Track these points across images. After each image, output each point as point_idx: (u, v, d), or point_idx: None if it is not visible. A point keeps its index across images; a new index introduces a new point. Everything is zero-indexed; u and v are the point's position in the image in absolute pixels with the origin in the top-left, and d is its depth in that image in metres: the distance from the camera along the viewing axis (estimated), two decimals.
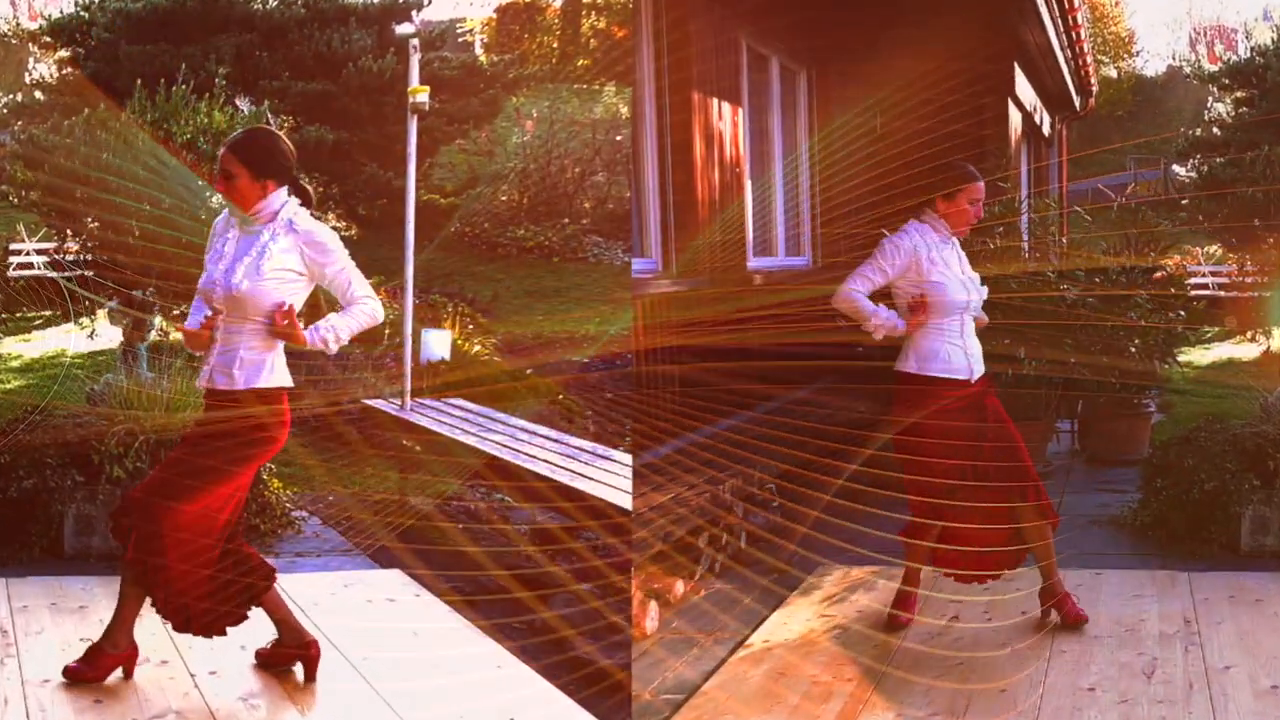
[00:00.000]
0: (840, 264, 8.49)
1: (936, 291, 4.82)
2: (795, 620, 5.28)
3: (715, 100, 7.42)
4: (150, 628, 4.68)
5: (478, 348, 10.16)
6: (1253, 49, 13.24)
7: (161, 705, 4.12)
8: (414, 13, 12.61)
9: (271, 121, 11.62)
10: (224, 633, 4.30)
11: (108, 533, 5.94)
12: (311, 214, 4.22)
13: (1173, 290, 8.01)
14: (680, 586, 5.61)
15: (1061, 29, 9.84)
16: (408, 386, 7.91)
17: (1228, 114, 12.99)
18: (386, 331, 9.81)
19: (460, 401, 8.16)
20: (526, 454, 6.49)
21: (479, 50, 16.14)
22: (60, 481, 6.00)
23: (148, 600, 4.22)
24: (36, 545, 5.97)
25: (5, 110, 12.49)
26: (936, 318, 4.83)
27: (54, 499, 5.98)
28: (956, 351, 4.86)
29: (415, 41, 8.09)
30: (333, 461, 8.16)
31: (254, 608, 4.30)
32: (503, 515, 7.30)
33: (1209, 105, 13.83)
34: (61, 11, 12.97)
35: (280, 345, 4.16)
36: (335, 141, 12.36)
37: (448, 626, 5.07)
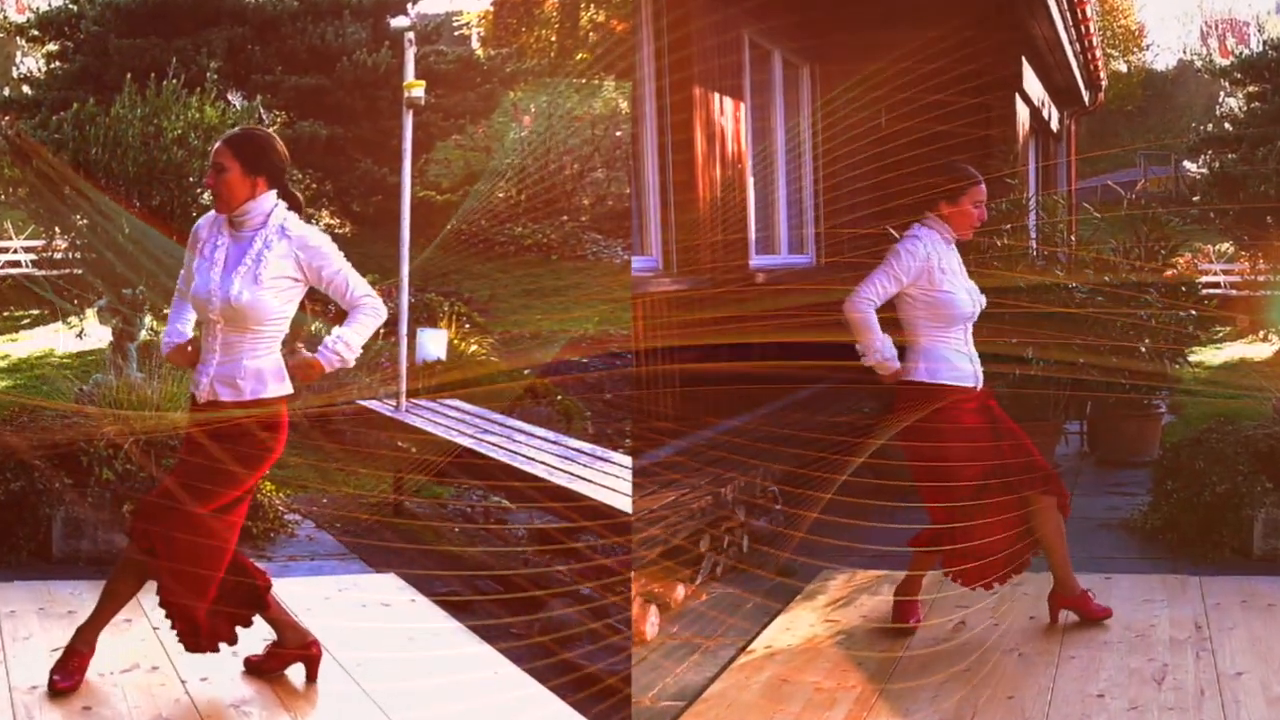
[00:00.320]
0: (844, 262, 8.50)
1: (946, 302, 4.84)
2: (798, 625, 5.28)
3: (717, 95, 7.42)
4: (140, 633, 4.68)
5: (474, 347, 10.16)
6: (1265, 42, 13.25)
7: (151, 712, 4.12)
8: (409, 6, 12.60)
9: (264, 116, 11.63)
10: (233, 640, 4.31)
11: (96, 536, 5.98)
12: (301, 218, 4.23)
13: (1183, 289, 8.01)
14: (680, 591, 5.62)
15: (1070, 22, 9.85)
16: (403, 387, 7.91)
17: (1240, 109, 12.99)
18: (382, 331, 9.83)
19: (456, 402, 8.17)
20: (525, 456, 6.49)
21: (476, 44, 16.16)
22: (49, 484, 5.99)
23: (140, 608, 4.22)
24: (24, 549, 5.96)
25: None
26: (940, 334, 4.86)
27: (42, 501, 5.98)
28: (963, 359, 4.89)
29: (411, 35, 8.10)
30: (327, 464, 8.16)
31: (259, 612, 4.31)
32: (500, 518, 7.31)
33: (1220, 100, 13.83)
34: (50, 4, 12.98)
35: (279, 351, 4.17)
36: (329, 137, 12.37)
37: (443, 631, 5.07)
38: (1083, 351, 6.64)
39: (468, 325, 10.52)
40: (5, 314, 11.31)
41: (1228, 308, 11.37)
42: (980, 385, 4.95)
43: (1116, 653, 4.79)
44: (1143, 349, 7.58)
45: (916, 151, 6.78)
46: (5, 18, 13.20)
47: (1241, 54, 13.22)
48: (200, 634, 4.24)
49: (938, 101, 7.74)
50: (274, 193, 4.18)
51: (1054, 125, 12.03)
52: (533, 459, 6.41)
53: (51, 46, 13.21)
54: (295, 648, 4.40)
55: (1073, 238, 8.48)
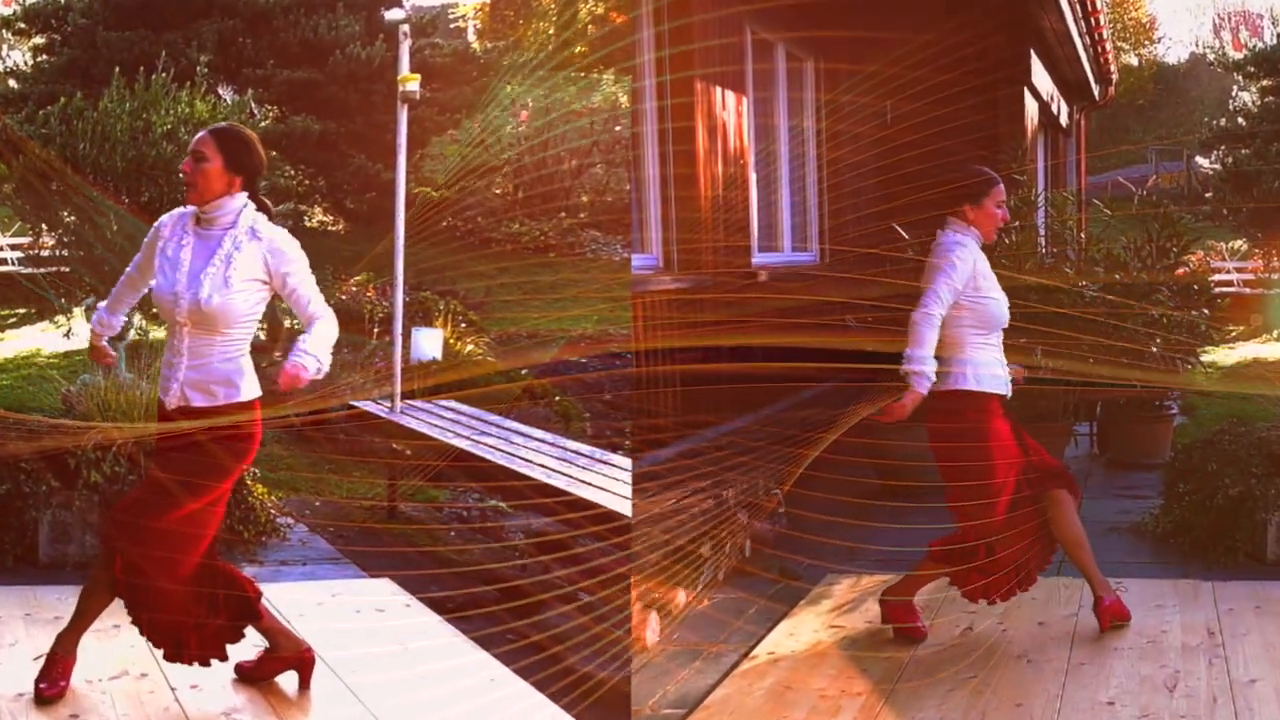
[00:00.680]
0: (848, 260, 8.50)
1: (990, 309, 4.85)
2: (802, 631, 5.28)
3: (718, 89, 7.42)
4: (129, 640, 4.68)
5: (470, 347, 10.17)
6: (1279, 35, 13.24)
7: None
8: None
9: (255, 111, 11.63)
10: (224, 656, 4.30)
11: (84, 540, 5.98)
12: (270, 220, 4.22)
13: (1195, 288, 8.01)
14: (682, 596, 5.62)
15: (1080, 15, 9.84)
16: (398, 388, 7.91)
17: (1253, 103, 12.99)
18: (375, 330, 9.82)
19: (452, 403, 8.16)
20: (522, 458, 6.49)
21: (472, 37, 16.16)
22: (35, 487, 5.99)
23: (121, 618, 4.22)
24: (10, 553, 5.97)
25: None
26: (983, 340, 4.85)
27: (28, 505, 5.98)
28: (1000, 366, 4.93)
29: (405, 28, 8.10)
30: (319, 466, 8.16)
31: (251, 623, 4.31)
32: (496, 522, 7.31)
33: (1233, 94, 13.84)
34: None
35: (248, 352, 4.17)
36: (322, 132, 12.36)
37: (439, 637, 5.07)
38: (1093, 351, 6.63)
39: (464, 324, 10.52)
40: None
41: (1241, 306, 11.36)
42: (1010, 392, 4.97)
43: (1127, 659, 4.79)
44: (1154, 349, 7.58)
45: (923, 147, 6.78)
46: None
47: (1255, 47, 13.22)
48: (186, 647, 4.24)
49: (944, 96, 7.73)
50: (246, 195, 4.16)
51: (1063, 120, 12.03)
52: (530, 461, 6.41)
53: (38, 39, 13.21)
54: (289, 654, 4.41)
55: (1082, 235, 8.48)
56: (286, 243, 4.14)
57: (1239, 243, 12.86)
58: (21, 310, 10.97)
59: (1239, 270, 12.68)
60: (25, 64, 13.41)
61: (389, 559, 6.29)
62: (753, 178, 8.01)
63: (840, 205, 8.90)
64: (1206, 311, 7.95)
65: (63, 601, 5.19)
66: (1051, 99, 11.05)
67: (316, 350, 4.10)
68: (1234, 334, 10.87)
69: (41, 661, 4.28)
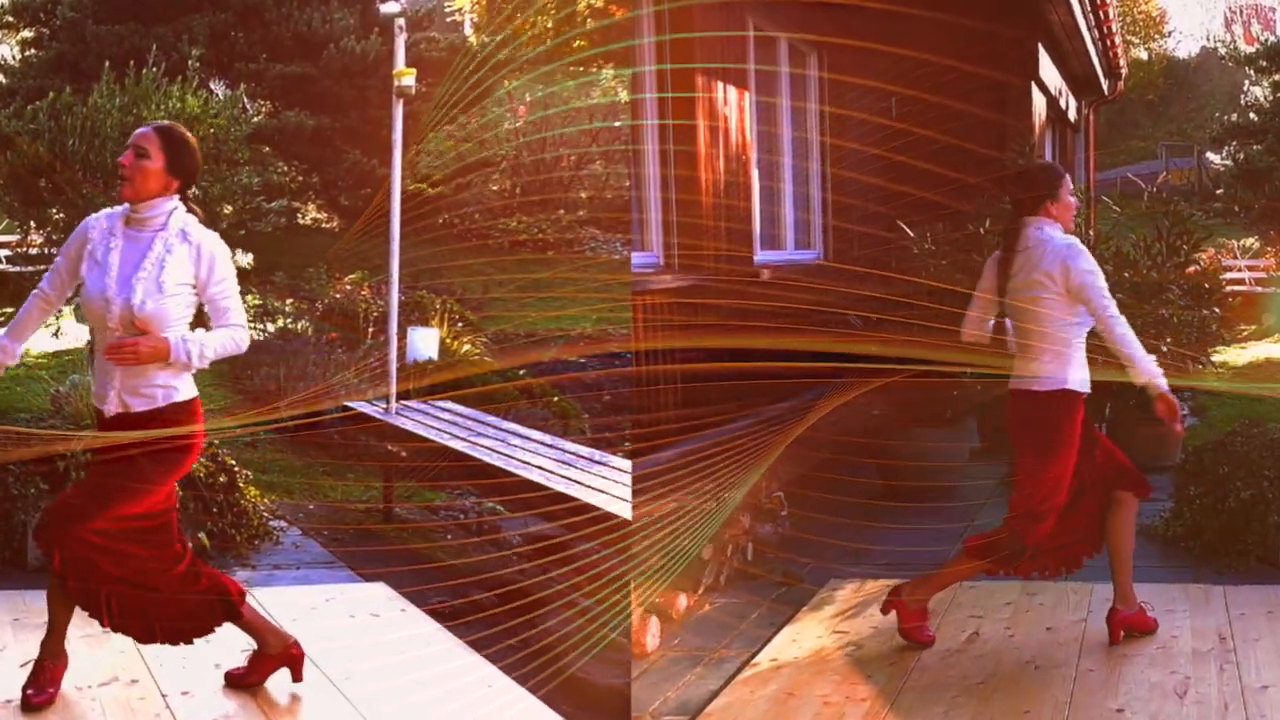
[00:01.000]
0: (852, 259, 8.50)
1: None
2: (805, 637, 5.28)
3: (720, 83, 7.42)
4: (120, 645, 4.68)
5: (467, 347, 10.16)
6: None
7: None
8: None
9: (248, 106, 11.63)
10: (190, 640, 4.30)
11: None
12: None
13: (1206, 286, 8.01)
14: (683, 601, 5.62)
15: (1089, 8, 9.85)
16: (393, 389, 7.91)
17: (1265, 98, 12.98)
18: (370, 330, 9.82)
19: (449, 404, 8.16)
20: (519, 460, 6.49)
21: (468, 30, 16.15)
22: (23, 490, 5.99)
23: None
24: None
25: None
26: (1080, 339, 4.89)
27: (16, 508, 5.98)
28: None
29: (401, 21, 8.10)
30: (313, 468, 8.16)
31: (231, 621, 4.31)
32: (494, 525, 7.31)
33: (1245, 88, 13.82)
34: None
35: None
36: (316, 127, 12.36)
37: (435, 642, 5.07)
38: (1100, 352, 6.63)
39: (460, 324, 10.52)
40: None
41: (1252, 306, 11.36)
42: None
43: (1137, 665, 4.79)
44: (1164, 349, 7.58)
45: (930, 142, 6.78)
46: None
47: (1267, 40, 13.22)
48: (157, 631, 4.25)
49: (951, 90, 7.73)
50: (178, 198, 4.15)
51: (1072, 115, 12.04)
52: (528, 463, 6.41)
53: (26, 33, 13.21)
54: (276, 651, 4.41)
55: (1091, 233, 8.47)
56: (218, 246, 4.14)
57: (1251, 240, 12.85)
58: (9, 309, 10.98)
59: (1251, 269, 12.67)
60: (13, 58, 13.40)
61: (384, 562, 6.29)
62: (755, 174, 8.01)
63: (845, 203, 8.89)
64: (1218, 310, 7.95)
65: None
66: (1060, 94, 11.05)
67: (206, 341, 4.07)
68: (1245, 334, 10.87)
69: (29, 667, 4.28)
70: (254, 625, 4.38)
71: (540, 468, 6.30)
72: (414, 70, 8.02)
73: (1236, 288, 11.77)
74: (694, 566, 5.81)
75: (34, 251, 9.51)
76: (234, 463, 6.63)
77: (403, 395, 8.03)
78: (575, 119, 14.28)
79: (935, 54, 7.61)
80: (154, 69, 9.19)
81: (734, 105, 7.63)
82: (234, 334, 4.15)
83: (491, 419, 7.73)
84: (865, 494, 7.79)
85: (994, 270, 4.97)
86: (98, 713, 4.21)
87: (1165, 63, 18.84)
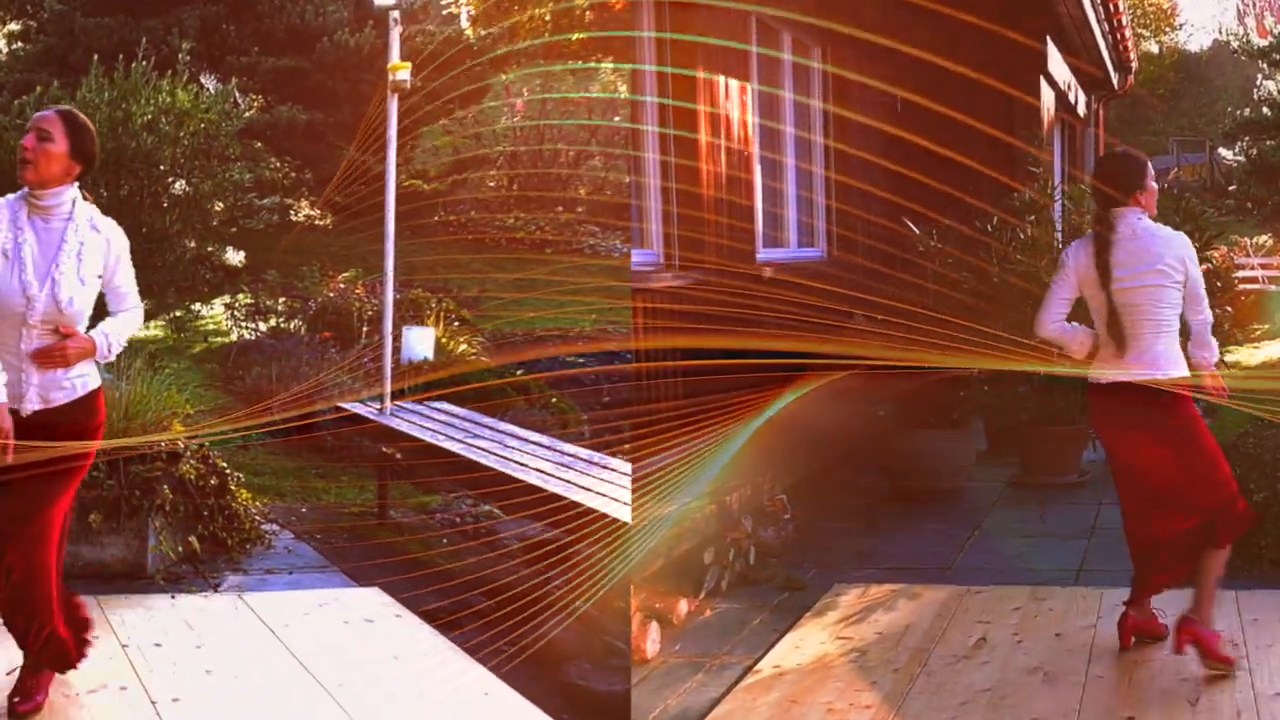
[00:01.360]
0: (856, 257, 8.50)
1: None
2: (809, 643, 5.28)
3: (722, 77, 7.42)
4: (108, 651, 4.68)
5: (464, 346, 10.17)
6: None
7: None
8: None
9: (240, 100, 11.63)
10: (76, 664, 4.31)
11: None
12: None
13: (1218, 284, 8.01)
14: (684, 606, 5.62)
15: (1098, 1, 9.85)
16: (387, 389, 7.91)
17: (1278, 92, 12.99)
18: (364, 329, 9.82)
19: (445, 405, 8.16)
20: (517, 462, 6.49)
21: (465, 23, 16.14)
22: None
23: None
24: None
25: None
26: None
27: None
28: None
29: (396, 14, 8.10)
30: (306, 471, 8.16)
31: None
32: (490, 528, 7.30)
33: (1258, 83, 13.83)
34: None
35: None
36: (309, 122, 12.37)
37: (430, 649, 5.07)
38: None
39: (456, 323, 10.53)
40: None
41: (1265, 304, 11.36)
42: None
43: (1147, 672, 4.79)
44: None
45: (935, 137, 6.77)
46: None
47: None
48: (74, 656, 4.29)
49: (956, 85, 7.72)
50: (77, 185, 4.13)
51: (1081, 110, 12.04)
52: (525, 465, 6.41)
53: (13, 26, 13.22)
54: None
55: None
56: (121, 237, 4.19)
57: (1264, 238, 12.86)
58: None
59: (1264, 266, 12.67)
60: (0, 52, 13.41)
61: (378, 567, 6.29)
62: (757, 170, 8.01)
63: (848, 199, 8.89)
64: (1230, 309, 7.94)
65: None
66: (1069, 88, 11.05)
67: (120, 331, 4.20)
68: (1258, 333, 10.86)
69: (15, 676, 4.28)
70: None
71: (538, 469, 6.30)
72: (409, 64, 8.03)
73: (1249, 286, 11.77)
74: (695, 570, 5.81)
75: None
76: (225, 465, 6.63)
77: (397, 396, 8.03)
78: (574, 112, 14.29)
79: (941, 48, 7.61)
80: (143, 63, 9.20)
81: (736, 99, 7.63)
82: (135, 317, 4.28)
83: (488, 420, 7.73)
84: (870, 497, 7.80)
85: (1087, 263, 4.83)
86: (87, 718, 4.22)
87: (1176, 56, 18.86)
